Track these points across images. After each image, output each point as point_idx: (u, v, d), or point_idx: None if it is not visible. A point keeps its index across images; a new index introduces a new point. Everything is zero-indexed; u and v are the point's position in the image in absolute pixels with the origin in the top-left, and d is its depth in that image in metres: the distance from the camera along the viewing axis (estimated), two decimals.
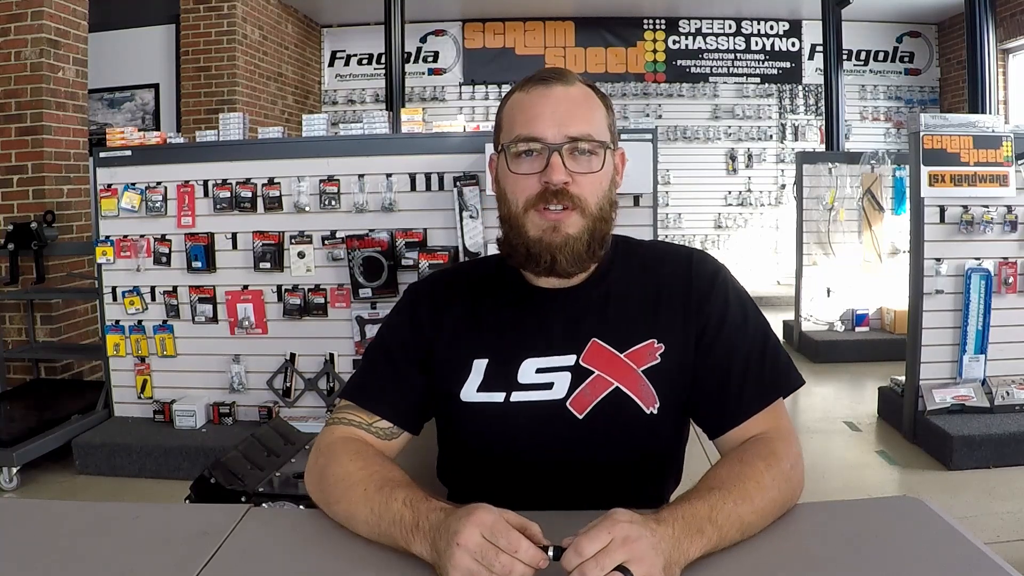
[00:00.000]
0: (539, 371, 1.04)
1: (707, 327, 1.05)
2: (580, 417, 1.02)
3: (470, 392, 1.05)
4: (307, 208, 3.40)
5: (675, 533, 0.81)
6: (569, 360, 1.04)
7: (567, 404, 1.03)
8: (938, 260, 3.44)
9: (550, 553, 0.78)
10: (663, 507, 0.86)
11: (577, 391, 1.03)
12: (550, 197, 1.00)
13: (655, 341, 1.04)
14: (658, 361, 1.04)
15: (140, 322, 3.51)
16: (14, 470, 3.14)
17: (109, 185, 3.47)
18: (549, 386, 1.03)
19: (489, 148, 2.97)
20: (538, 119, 1.02)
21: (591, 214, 1.02)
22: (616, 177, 1.08)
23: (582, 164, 1.02)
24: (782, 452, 0.98)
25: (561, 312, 1.06)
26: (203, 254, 3.44)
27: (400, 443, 1.09)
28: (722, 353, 1.05)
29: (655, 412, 1.03)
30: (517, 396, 1.04)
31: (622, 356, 1.03)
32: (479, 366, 1.06)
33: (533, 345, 1.05)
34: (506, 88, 8.01)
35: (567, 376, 1.03)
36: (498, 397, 1.04)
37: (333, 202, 3.38)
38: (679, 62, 8.19)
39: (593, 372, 1.03)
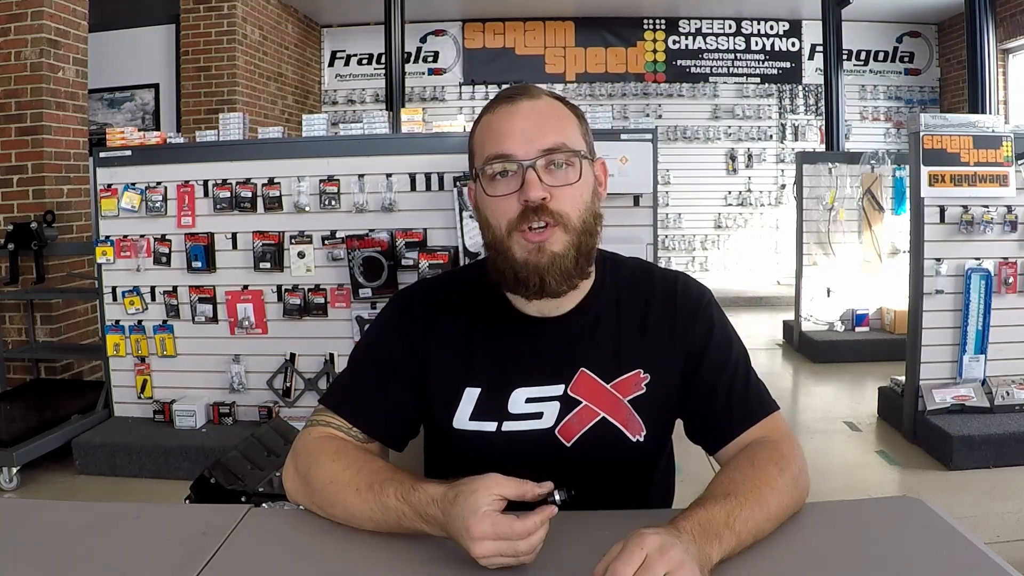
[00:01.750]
0: (529, 401, 1.05)
1: (692, 352, 1.07)
2: (568, 445, 1.04)
3: (462, 420, 1.06)
4: (307, 208, 3.40)
5: (695, 539, 0.81)
6: (558, 390, 1.05)
7: (555, 432, 1.04)
8: (938, 260, 3.44)
9: (556, 497, 0.83)
10: (678, 515, 0.86)
11: (565, 420, 1.04)
12: (531, 215, 0.98)
13: (641, 371, 1.05)
14: (643, 391, 1.05)
15: (140, 322, 3.51)
16: (14, 470, 3.14)
17: (109, 185, 3.47)
18: (539, 415, 1.04)
19: None
20: (507, 136, 0.99)
21: (575, 228, 1.00)
22: (599, 189, 1.06)
23: (559, 177, 0.99)
24: (789, 455, 0.99)
25: (551, 340, 1.06)
26: (203, 254, 3.44)
27: (378, 445, 1.08)
28: (709, 375, 1.06)
29: (641, 440, 1.05)
30: (508, 426, 1.04)
31: (608, 387, 1.05)
32: (471, 394, 1.05)
33: (524, 375, 1.05)
34: (506, 88, 8.06)
35: (556, 405, 1.04)
36: (490, 426, 1.05)
37: (333, 202, 3.38)
38: (679, 62, 8.19)
39: (581, 402, 1.04)
